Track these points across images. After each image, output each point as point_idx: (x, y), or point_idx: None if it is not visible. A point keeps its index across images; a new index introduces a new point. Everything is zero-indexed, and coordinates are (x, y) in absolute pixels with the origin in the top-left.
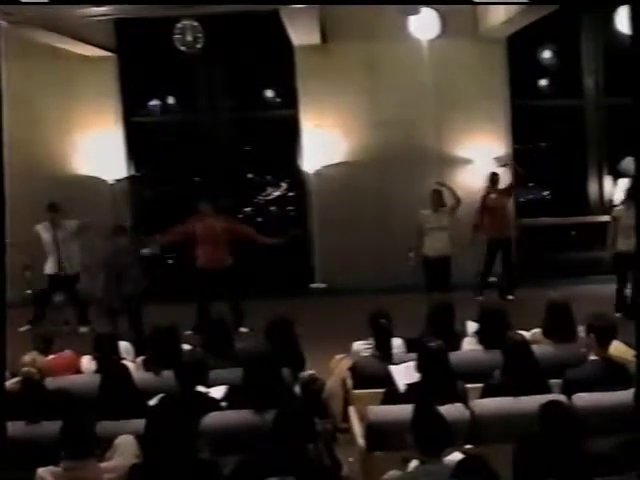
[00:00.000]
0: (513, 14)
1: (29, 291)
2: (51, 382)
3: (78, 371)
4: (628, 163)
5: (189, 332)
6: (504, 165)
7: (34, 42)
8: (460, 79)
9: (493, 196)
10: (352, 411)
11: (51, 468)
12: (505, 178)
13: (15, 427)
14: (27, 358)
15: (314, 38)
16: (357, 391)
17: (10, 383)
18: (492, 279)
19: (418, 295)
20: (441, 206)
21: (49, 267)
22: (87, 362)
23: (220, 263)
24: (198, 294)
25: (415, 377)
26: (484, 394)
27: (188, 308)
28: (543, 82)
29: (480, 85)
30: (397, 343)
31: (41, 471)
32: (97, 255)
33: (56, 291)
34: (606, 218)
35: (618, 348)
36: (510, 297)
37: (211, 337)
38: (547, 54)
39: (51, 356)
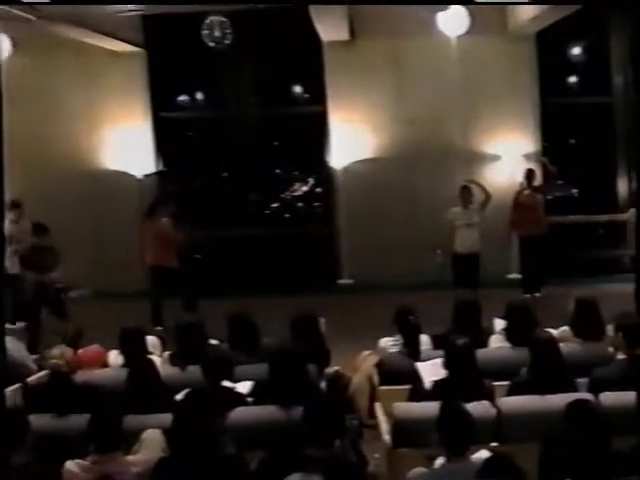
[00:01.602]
0: (542, 11)
1: None
2: (79, 376)
3: (105, 365)
4: None
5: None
6: (536, 162)
7: (63, 37)
8: (488, 76)
9: (526, 193)
10: (378, 408)
11: (79, 461)
12: (536, 175)
13: (43, 420)
14: (56, 352)
15: (343, 34)
16: (383, 388)
17: (38, 376)
18: (517, 276)
19: (445, 292)
20: (470, 203)
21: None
22: (114, 356)
23: (168, 261)
24: (152, 292)
25: (441, 374)
26: (510, 392)
27: (213, 303)
28: (572, 79)
29: (508, 82)
30: (424, 340)
31: (69, 464)
32: None
33: None
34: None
35: None
36: (537, 294)
37: (236, 333)
38: (576, 51)
39: (79, 350)
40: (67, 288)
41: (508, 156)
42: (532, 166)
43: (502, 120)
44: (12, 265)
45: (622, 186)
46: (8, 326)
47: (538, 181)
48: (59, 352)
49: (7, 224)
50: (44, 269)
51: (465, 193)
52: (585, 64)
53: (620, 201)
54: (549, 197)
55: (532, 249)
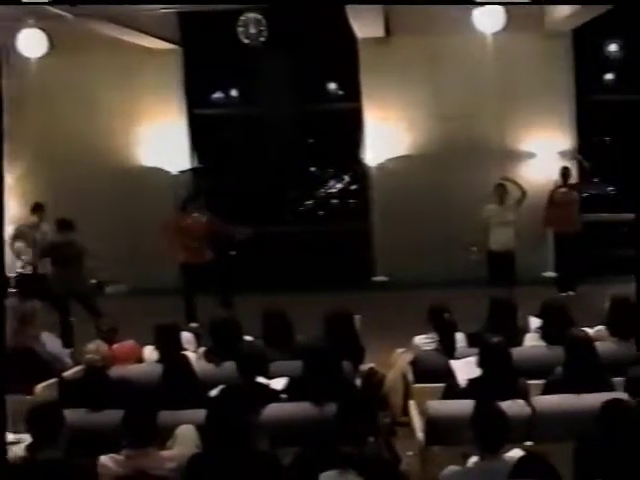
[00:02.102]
0: (578, 8)
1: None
2: (114, 371)
3: (140, 360)
4: None
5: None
6: (571, 160)
7: (99, 35)
8: (524, 73)
9: (562, 190)
10: (412, 405)
11: (113, 456)
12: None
13: (77, 414)
14: (91, 346)
15: (378, 31)
16: (417, 385)
17: (73, 371)
18: (552, 274)
19: (480, 290)
20: (505, 200)
21: None
22: (149, 352)
23: (201, 258)
24: (185, 288)
25: (476, 372)
26: (545, 391)
27: (248, 299)
28: (609, 76)
29: (544, 79)
30: (458, 338)
31: (103, 458)
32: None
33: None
34: None
35: None
36: (572, 293)
37: (271, 329)
38: (613, 48)
39: (114, 345)
40: (102, 284)
41: (543, 153)
42: (567, 164)
43: (537, 117)
44: (41, 266)
45: None
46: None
47: (573, 179)
48: (94, 347)
49: (26, 227)
50: (67, 264)
51: (500, 190)
52: (621, 61)
53: None
54: (585, 195)
55: (566, 247)
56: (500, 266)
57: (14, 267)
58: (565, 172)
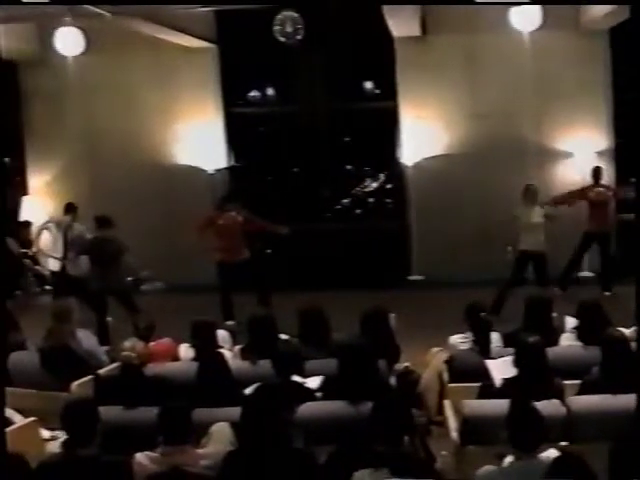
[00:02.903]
0: (616, 7)
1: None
2: (150, 369)
3: (176, 358)
4: None
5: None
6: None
7: (136, 33)
8: (561, 71)
9: (596, 190)
10: (447, 404)
11: (149, 453)
12: (609, 172)
13: (113, 412)
14: (127, 344)
15: (414, 30)
16: (453, 385)
17: (109, 369)
18: (588, 274)
19: (517, 289)
20: (534, 202)
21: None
22: (185, 350)
23: (237, 256)
24: (221, 286)
25: (512, 372)
26: (581, 391)
27: (285, 298)
28: None
29: (581, 78)
30: (494, 337)
31: (139, 456)
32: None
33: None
34: None
35: None
36: (607, 293)
37: (307, 327)
38: None
39: (151, 343)
40: (139, 281)
41: (580, 153)
42: (600, 164)
43: (575, 116)
44: (74, 267)
45: None
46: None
47: (606, 179)
48: (131, 345)
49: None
50: (105, 261)
51: (528, 192)
52: None
53: None
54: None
55: (596, 247)
56: (528, 267)
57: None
58: (596, 172)
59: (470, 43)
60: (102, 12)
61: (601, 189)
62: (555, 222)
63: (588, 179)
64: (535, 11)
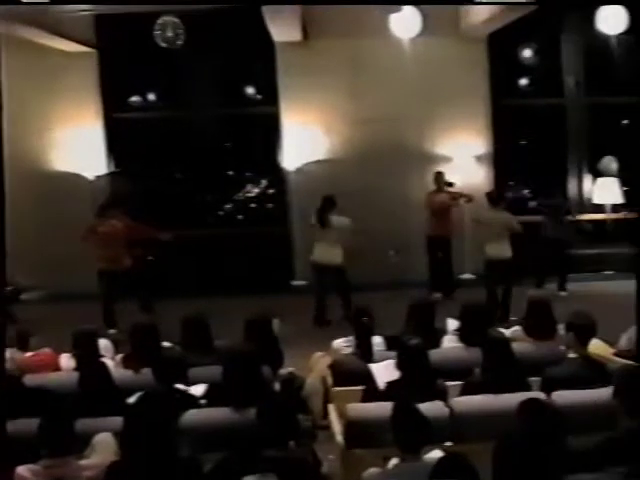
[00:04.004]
0: (494, 13)
1: None
2: (31, 379)
3: (57, 369)
4: (608, 162)
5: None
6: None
7: (13, 37)
8: (441, 77)
9: (438, 195)
10: (332, 409)
11: (30, 466)
12: (480, 175)
13: None
14: (6, 354)
15: (295, 35)
16: (337, 389)
17: None
18: (469, 276)
19: (399, 292)
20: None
21: None
22: (66, 360)
23: (118, 264)
24: (103, 295)
25: (395, 375)
26: (464, 391)
27: (169, 305)
28: (524, 81)
29: (461, 83)
30: (377, 341)
31: (20, 469)
32: None
33: None
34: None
35: (597, 346)
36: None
37: (189, 335)
38: (528, 53)
39: (29, 353)
40: (18, 290)
41: (460, 157)
42: (475, 166)
43: (455, 121)
44: None
45: (572, 187)
46: None
47: (485, 183)
48: (8, 355)
49: None
50: None
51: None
52: (537, 65)
53: (570, 202)
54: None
55: (439, 251)
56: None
57: None
58: (438, 178)
59: (352, 48)
60: None
61: (443, 195)
62: None
63: (468, 183)
64: (415, 18)
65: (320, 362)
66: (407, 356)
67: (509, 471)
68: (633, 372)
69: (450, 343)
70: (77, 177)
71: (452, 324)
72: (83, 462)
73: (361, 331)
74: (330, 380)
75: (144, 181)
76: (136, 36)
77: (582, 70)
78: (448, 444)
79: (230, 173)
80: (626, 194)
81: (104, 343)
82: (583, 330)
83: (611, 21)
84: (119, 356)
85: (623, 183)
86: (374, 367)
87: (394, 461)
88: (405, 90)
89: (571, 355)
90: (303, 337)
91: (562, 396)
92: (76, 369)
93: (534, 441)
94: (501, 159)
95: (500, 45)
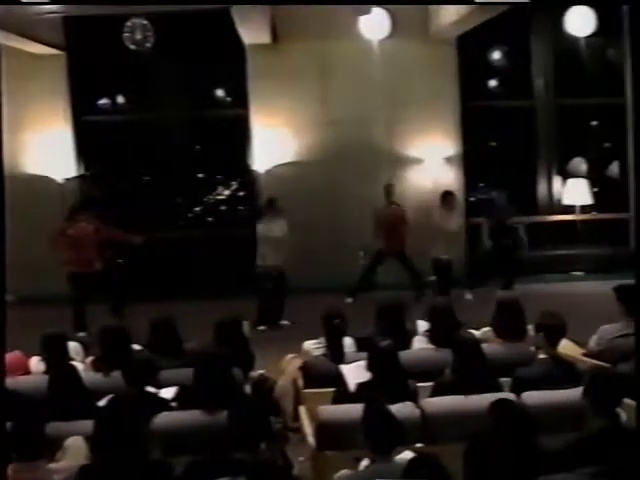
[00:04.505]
0: (463, 14)
1: None
2: None
3: (27, 372)
4: (577, 164)
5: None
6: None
7: None
8: (411, 79)
9: (387, 208)
10: (303, 410)
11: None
12: (450, 177)
13: None
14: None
15: (264, 37)
16: (308, 390)
17: None
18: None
19: (373, 293)
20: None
21: None
22: (36, 363)
23: (88, 267)
24: (72, 298)
25: (366, 376)
26: (434, 392)
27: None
28: (493, 82)
29: (430, 85)
30: (348, 342)
31: None
32: None
33: None
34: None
35: (567, 346)
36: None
37: (158, 337)
38: (497, 55)
39: None
40: None
41: (430, 159)
42: (449, 169)
43: (424, 123)
44: None
45: (542, 188)
46: None
47: (455, 184)
48: None
49: None
50: None
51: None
52: (506, 67)
53: (540, 203)
54: (471, 199)
55: (399, 263)
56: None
57: None
58: (388, 189)
59: (321, 51)
60: None
61: (393, 207)
62: None
63: (438, 185)
64: (384, 20)
65: (291, 364)
66: (377, 357)
67: (480, 472)
68: (603, 373)
69: (420, 344)
70: (46, 180)
71: (422, 325)
72: (53, 465)
73: (332, 333)
74: (301, 382)
75: (114, 184)
76: (105, 38)
77: (551, 72)
78: (419, 445)
79: (200, 175)
80: (595, 195)
81: (74, 346)
82: (553, 331)
83: (580, 23)
84: (89, 359)
85: (592, 184)
86: (345, 369)
87: (365, 462)
88: (374, 92)
89: (541, 356)
90: (274, 339)
91: (532, 396)
92: (46, 372)
93: (504, 442)
94: (471, 161)
95: (469, 47)
